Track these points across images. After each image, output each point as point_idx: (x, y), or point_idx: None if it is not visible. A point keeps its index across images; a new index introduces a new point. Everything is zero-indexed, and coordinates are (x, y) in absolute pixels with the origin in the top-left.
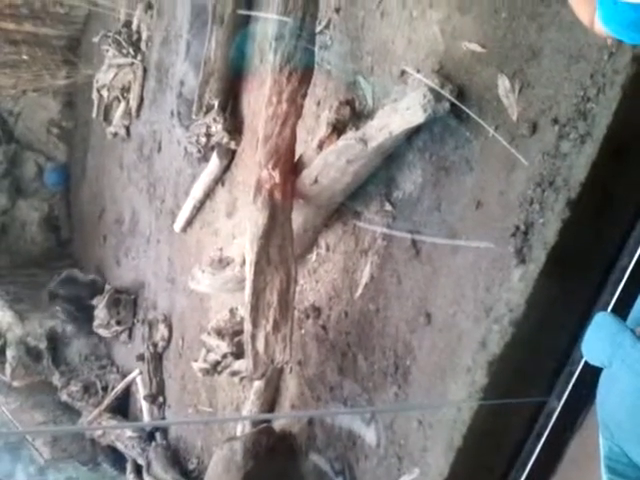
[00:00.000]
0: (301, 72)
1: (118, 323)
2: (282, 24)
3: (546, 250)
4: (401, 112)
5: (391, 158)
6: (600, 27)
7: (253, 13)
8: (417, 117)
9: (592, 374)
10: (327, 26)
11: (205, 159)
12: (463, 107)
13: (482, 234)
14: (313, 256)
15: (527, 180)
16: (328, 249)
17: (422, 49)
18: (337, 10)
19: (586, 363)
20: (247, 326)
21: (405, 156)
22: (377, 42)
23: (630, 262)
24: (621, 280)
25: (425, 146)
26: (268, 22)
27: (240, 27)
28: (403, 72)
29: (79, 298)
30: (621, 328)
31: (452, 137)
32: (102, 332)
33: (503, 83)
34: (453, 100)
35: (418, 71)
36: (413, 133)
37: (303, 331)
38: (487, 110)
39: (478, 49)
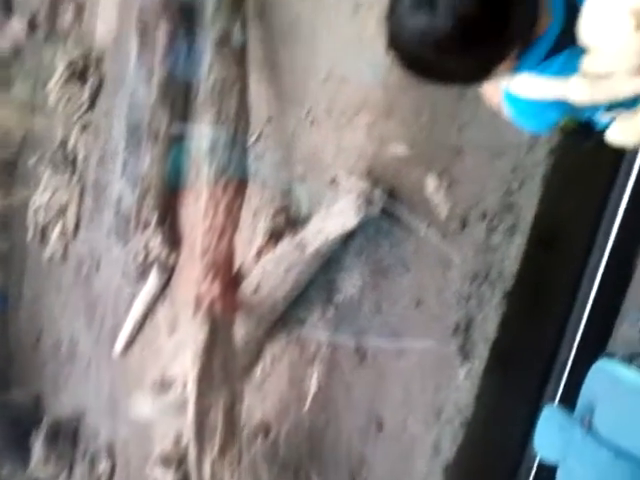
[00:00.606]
0: (236, 183)
1: (58, 459)
2: (215, 137)
3: (488, 345)
4: (335, 217)
5: (330, 262)
6: (509, 116)
7: (187, 128)
8: (350, 221)
9: (549, 470)
10: (259, 137)
11: (144, 276)
12: (394, 208)
13: (425, 334)
14: (258, 369)
15: (462, 276)
16: (273, 361)
17: (351, 155)
18: (269, 120)
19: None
20: (192, 452)
21: (343, 260)
22: (308, 150)
23: (571, 349)
24: (565, 369)
25: (361, 249)
26: (202, 135)
27: (175, 142)
28: (334, 178)
29: (14, 430)
30: (569, 421)
31: (386, 238)
32: (40, 473)
33: (431, 183)
34: (384, 202)
35: (348, 176)
36: (349, 236)
37: (252, 451)
38: (418, 209)
39: (404, 152)
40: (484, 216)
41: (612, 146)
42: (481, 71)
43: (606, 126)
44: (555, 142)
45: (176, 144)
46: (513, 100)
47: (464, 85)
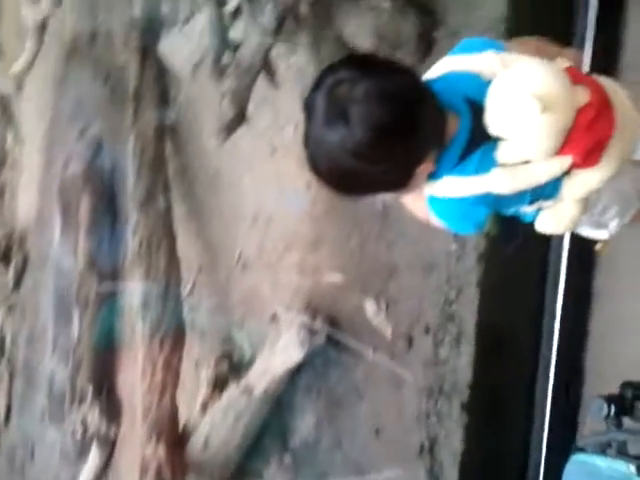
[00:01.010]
0: (173, 337)
1: None
2: (147, 292)
3: (456, 462)
4: (279, 354)
5: (280, 403)
6: (438, 224)
7: (117, 287)
8: (295, 355)
9: None
10: (193, 288)
11: (85, 454)
12: (338, 336)
13: (390, 462)
14: None
15: (417, 394)
16: None
17: (287, 290)
18: (200, 271)
19: None
20: None
21: (294, 398)
22: (244, 293)
23: (541, 450)
24: (539, 471)
25: (311, 383)
26: (133, 293)
27: (106, 303)
28: (274, 315)
29: None
30: None
31: (335, 368)
32: None
33: (369, 306)
34: (327, 332)
35: (287, 311)
36: (296, 372)
37: None
38: (362, 334)
39: (339, 279)
40: (428, 330)
41: (542, 234)
42: (403, 174)
43: (533, 218)
44: (483, 247)
45: (107, 305)
46: (439, 204)
47: (391, 191)
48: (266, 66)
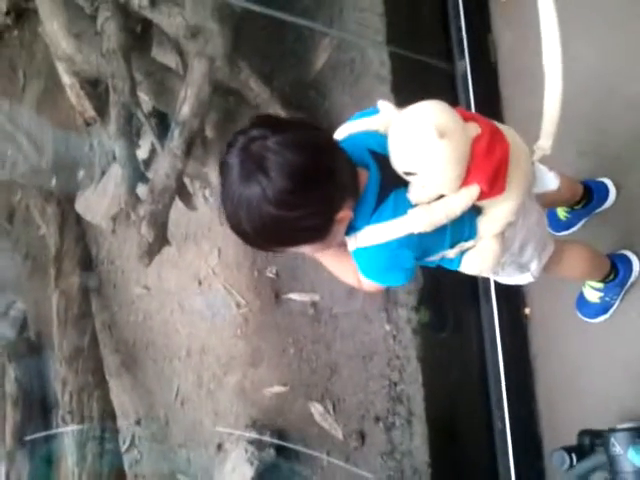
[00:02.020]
0: None
1: None
2: (82, 444)
3: None
4: (229, 475)
5: None
6: (369, 283)
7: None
8: (247, 474)
9: None
10: (132, 442)
11: None
12: (288, 446)
13: None
14: None
15: None
16: None
17: (230, 413)
18: (137, 422)
19: None
20: None
21: None
22: (186, 430)
23: None
24: None
25: None
26: (68, 443)
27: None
28: (220, 443)
29: None
30: None
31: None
32: None
33: (316, 409)
34: (275, 444)
35: (231, 434)
36: None
37: None
38: (312, 440)
39: (281, 389)
40: (378, 419)
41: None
42: (323, 218)
43: (457, 263)
44: (415, 321)
45: (39, 454)
46: (365, 255)
47: (313, 239)
48: (181, 190)
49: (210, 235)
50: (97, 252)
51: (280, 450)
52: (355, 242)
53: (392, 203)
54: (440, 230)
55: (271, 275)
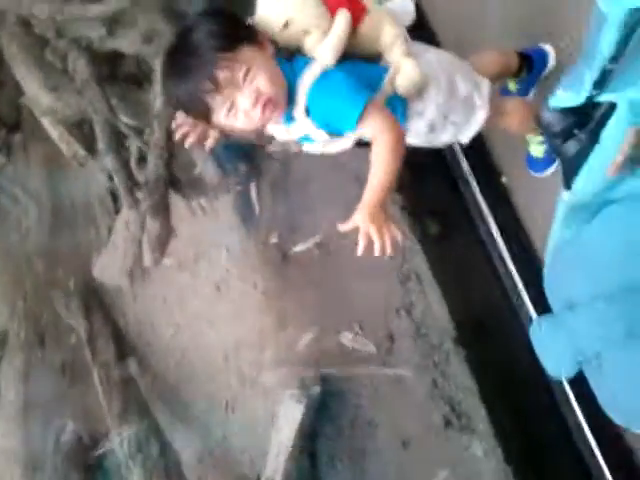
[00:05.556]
0: None
1: None
2: None
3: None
4: (282, 419)
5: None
6: (368, 118)
7: None
8: (297, 413)
9: None
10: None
11: None
12: (331, 377)
13: None
14: None
15: (422, 385)
16: None
17: (278, 385)
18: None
19: None
20: None
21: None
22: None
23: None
24: None
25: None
26: None
27: None
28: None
29: None
30: (562, 318)
31: (346, 399)
32: None
33: (346, 337)
34: (319, 380)
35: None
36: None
37: None
38: (351, 365)
39: (310, 335)
40: (397, 311)
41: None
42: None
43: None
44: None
45: None
46: (324, 97)
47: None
48: (171, 178)
49: (214, 240)
50: (125, 322)
51: (325, 385)
52: (304, 94)
53: (301, 59)
54: (358, 62)
55: (274, 240)
